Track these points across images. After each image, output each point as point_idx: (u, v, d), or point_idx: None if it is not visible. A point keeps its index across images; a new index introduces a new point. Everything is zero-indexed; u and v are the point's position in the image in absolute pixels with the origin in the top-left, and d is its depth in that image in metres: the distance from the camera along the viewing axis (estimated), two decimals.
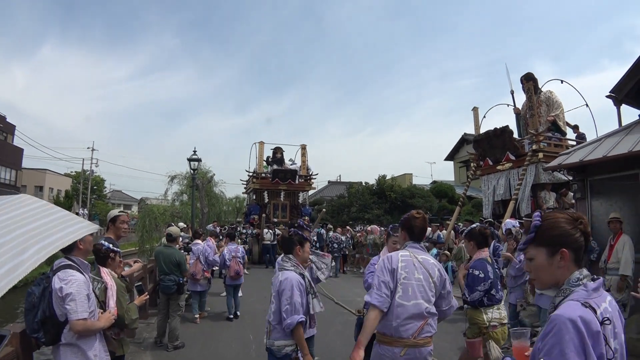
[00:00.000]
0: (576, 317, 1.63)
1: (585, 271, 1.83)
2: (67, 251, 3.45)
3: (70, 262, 3.40)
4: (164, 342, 7.84)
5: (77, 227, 1.44)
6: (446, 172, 50.76)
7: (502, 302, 5.02)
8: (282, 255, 4.39)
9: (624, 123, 9.79)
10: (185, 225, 17.07)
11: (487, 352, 4.68)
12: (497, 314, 4.84)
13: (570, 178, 10.52)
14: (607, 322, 1.66)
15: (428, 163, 55.80)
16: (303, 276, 4.09)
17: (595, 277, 1.83)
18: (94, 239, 3.73)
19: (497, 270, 5.16)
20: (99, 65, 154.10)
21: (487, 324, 4.79)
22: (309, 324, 4.19)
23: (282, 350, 3.87)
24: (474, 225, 5.34)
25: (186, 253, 9.52)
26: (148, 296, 5.79)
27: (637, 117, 9.75)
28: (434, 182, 39.12)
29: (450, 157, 41.38)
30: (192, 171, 20.50)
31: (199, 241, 10.10)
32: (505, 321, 4.93)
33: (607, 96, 10.11)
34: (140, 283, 5.90)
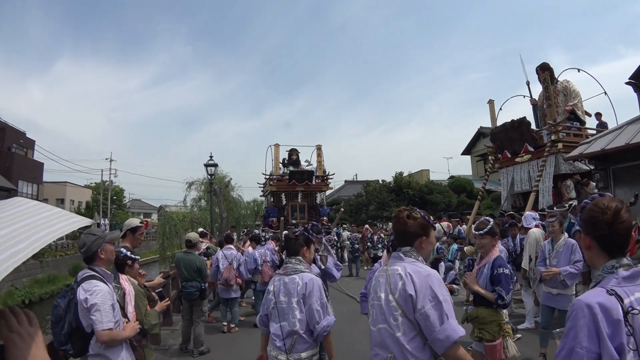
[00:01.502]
0: (594, 303, 1.66)
1: (625, 260, 1.79)
2: (90, 261, 3.46)
3: (93, 273, 3.40)
4: (189, 349, 7.86)
5: (71, 220, 1.47)
6: (463, 167, 50.53)
7: None
8: (290, 257, 3.99)
9: None
10: (204, 231, 17.13)
11: (506, 351, 4.34)
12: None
13: (592, 167, 10.37)
14: (635, 311, 1.63)
15: (445, 158, 55.55)
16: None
17: (633, 265, 1.79)
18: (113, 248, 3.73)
19: None
20: (113, 76, 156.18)
21: (505, 320, 4.48)
22: None
23: None
24: (491, 222, 4.70)
25: (206, 259, 9.44)
26: (169, 302, 5.79)
27: None
28: (452, 177, 38.90)
29: (467, 152, 41.14)
30: (209, 177, 20.55)
31: (231, 246, 9.86)
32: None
33: (627, 83, 10.02)
34: (161, 289, 5.92)
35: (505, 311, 4.50)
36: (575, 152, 9.55)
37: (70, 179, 59.22)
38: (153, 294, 5.00)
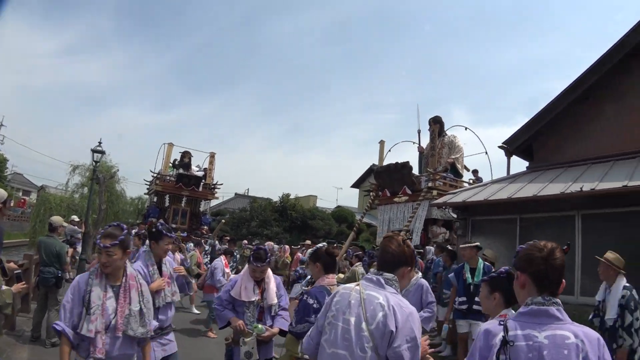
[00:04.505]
0: (484, 329, 2.01)
1: (539, 298, 1.96)
2: None
3: None
4: (41, 338, 7.45)
5: None
6: (351, 199, 51.85)
7: None
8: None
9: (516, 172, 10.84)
10: (78, 219, 16.39)
11: None
12: None
13: (455, 216, 11.30)
14: (511, 344, 1.85)
15: (335, 188, 57.11)
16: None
17: (544, 303, 1.95)
18: None
19: None
20: (27, 36, 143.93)
21: (300, 355, 3.85)
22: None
23: None
24: (320, 245, 4.49)
25: (68, 246, 9.13)
26: (27, 285, 5.58)
27: (525, 169, 10.76)
28: (339, 206, 39.94)
29: (356, 185, 42.48)
30: (94, 163, 19.70)
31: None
32: None
33: (500, 147, 11.06)
34: (20, 270, 5.64)
35: None
36: (441, 200, 10.42)
37: None
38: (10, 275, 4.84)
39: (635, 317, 5.04)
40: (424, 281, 6.30)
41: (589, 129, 9.56)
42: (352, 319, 2.42)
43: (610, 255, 5.37)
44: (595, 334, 1.90)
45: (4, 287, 4.15)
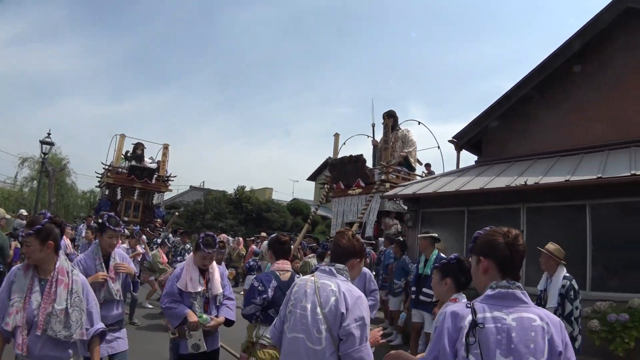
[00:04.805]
0: (449, 311, 2.00)
1: (504, 282, 2.00)
2: None
3: None
4: None
5: None
6: (307, 192, 51.86)
7: None
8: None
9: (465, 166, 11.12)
10: (27, 213, 15.95)
11: None
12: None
13: (406, 208, 11.51)
14: (481, 326, 1.88)
15: (291, 181, 57.19)
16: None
17: (510, 287, 1.99)
18: None
19: None
20: None
21: (255, 340, 4.11)
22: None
23: None
24: (273, 235, 4.67)
25: (13, 239, 8.89)
26: None
27: (473, 163, 11.03)
28: (295, 199, 39.98)
29: (312, 178, 42.59)
30: (42, 155, 19.13)
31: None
32: None
33: (450, 141, 11.31)
34: None
35: (262, 332, 4.03)
36: (392, 192, 10.59)
37: None
38: None
39: (575, 306, 5.22)
40: (367, 270, 6.61)
41: (534, 127, 9.91)
42: (309, 306, 2.72)
43: (551, 246, 5.55)
44: (557, 318, 1.97)
45: None
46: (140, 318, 9.69)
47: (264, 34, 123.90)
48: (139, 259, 10.71)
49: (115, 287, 4.28)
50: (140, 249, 10.88)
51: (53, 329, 2.83)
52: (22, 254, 10.32)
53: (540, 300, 5.63)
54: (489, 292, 2.01)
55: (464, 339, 1.89)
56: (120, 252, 4.61)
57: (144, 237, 13.45)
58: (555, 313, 5.29)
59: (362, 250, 3.02)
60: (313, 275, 2.91)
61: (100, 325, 3.14)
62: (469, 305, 1.97)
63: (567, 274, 5.41)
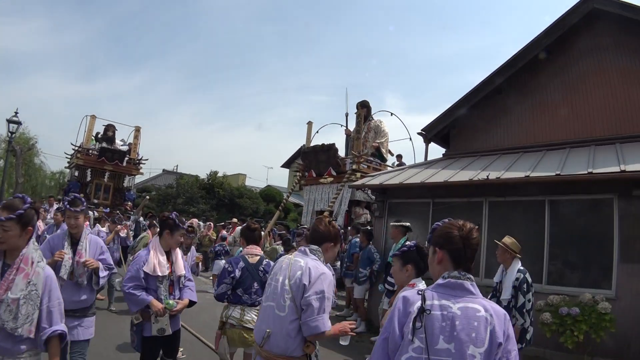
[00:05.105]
0: (401, 296, 2.13)
1: (456, 273, 2.11)
2: None
3: None
4: None
5: None
6: (281, 179, 51.80)
7: (253, 308, 4.70)
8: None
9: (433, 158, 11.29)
10: None
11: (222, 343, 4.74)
12: (238, 314, 4.65)
13: (373, 198, 11.66)
14: (427, 312, 2.00)
15: (265, 167, 56.93)
16: None
17: (460, 278, 2.10)
18: None
19: (261, 273, 4.77)
20: None
21: (224, 319, 4.71)
22: None
23: None
24: (245, 224, 5.30)
25: None
26: None
27: (441, 155, 11.21)
28: (268, 186, 39.96)
29: (287, 165, 42.59)
30: (9, 134, 18.76)
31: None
32: (249, 326, 4.58)
33: (418, 133, 11.46)
34: None
35: (230, 312, 4.69)
36: (359, 182, 10.73)
37: None
38: None
39: (527, 299, 5.40)
40: None
41: (501, 122, 10.10)
42: (280, 278, 3.14)
43: (507, 239, 5.68)
44: (502, 310, 2.06)
45: None
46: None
47: (241, 16, 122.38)
48: (118, 239, 10.68)
49: (79, 271, 4.23)
50: (122, 231, 10.84)
51: (1, 318, 2.65)
52: None
53: (495, 291, 5.78)
54: (440, 281, 2.12)
55: (411, 324, 2.00)
56: (93, 238, 4.57)
57: (126, 222, 13.31)
58: (508, 305, 5.47)
59: (337, 236, 3.39)
60: (292, 254, 3.36)
61: (60, 327, 2.86)
62: (420, 292, 2.08)
63: (522, 267, 5.57)
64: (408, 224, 8.05)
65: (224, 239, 14.71)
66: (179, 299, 4.53)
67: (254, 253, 4.86)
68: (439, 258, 2.19)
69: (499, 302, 5.59)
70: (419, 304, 2.03)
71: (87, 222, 10.77)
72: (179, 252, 4.72)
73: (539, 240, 7.86)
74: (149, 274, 4.34)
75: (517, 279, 5.48)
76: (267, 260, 4.93)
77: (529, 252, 7.51)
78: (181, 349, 5.70)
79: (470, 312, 1.98)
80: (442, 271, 2.16)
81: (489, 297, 5.82)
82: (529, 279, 5.50)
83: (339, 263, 10.86)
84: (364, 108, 16.13)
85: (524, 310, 5.42)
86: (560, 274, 7.74)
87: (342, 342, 3.21)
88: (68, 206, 4.30)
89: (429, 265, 2.34)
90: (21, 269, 2.76)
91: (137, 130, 23.43)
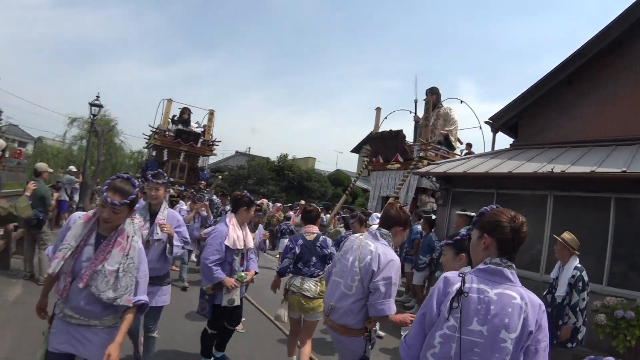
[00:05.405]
0: (443, 276, 2.26)
1: (497, 260, 2.19)
2: None
3: None
4: (35, 276, 7.96)
5: None
6: (351, 163, 52.03)
7: (312, 278, 5.22)
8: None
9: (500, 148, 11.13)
10: (76, 170, 16.81)
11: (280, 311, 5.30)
12: (298, 282, 5.16)
13: (438, 186, 11.68)
14: (465, 294, 2.10)
15: (335, 152, 57.39)
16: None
17: (501, 265, 2.18)
18: None
19: (318, 248, 5.33)
20: None
21: (287, 287, 5.26)
22: None
23: None
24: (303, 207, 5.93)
25: (56, 191, 9.44)
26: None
27: (509, 146, 11.06)
28: (337, 170, 40.29)
29: (356, 150, 42.64)
30: (92, 116, 20.02)
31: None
32: (307, 294, 5.08)
33: (486, 122, 11.36)
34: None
35: (293, 281, 5.27)
36: (424, 169, 10.79)
37: None
38: None
39: (581, 298, 5.37)
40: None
41: (571, 113, 9.78)
42: (351, 258, 3.47)
43: (566, 235, 5.65)
44: (538, 300, 2.13)
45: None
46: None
47: (309, 3, 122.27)
48: (198, 218, 11.10)
49: (156, 237, 4.50)
50: (202, 213, 11.36)
51: (97, 287, 2.79)
52: (72, 206, 11.12)
53: (551, 287, 5.76)
54: (481, 265, 2.20)
55: (448, 303, 2.12)
56: (171, 211, 4.85)
57: (206, 202, 13.86)
58: (562, 302, 5.47)
59: (407, 221, 3.68)
60: (362, 235, 3.64)
61: (143, 297, 3.04)
62: (461, 275, 2.18)
63: (579, 265, 5.53)
64: (474, 214, 8.09)
65: (288, 218, 15.17)
66: (246, 270, 5.12)
67: (311, 231, 5.42)
68: (485, 244, 2.24)
69: (553, 299, 5.63)
70: (458, 285, 2.14)
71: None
72: (247, 228, 5.27)
73: (602, 239, 7.62)
74: (229, 247, 4.87)
75: (573, 276, 5.46)
76: (323, 236, 5.48)
77: (590, 251, 7.37)
78: (243, 319, 6.18)
79: (505, 299, 2.07)
80: (485, 257, 2.23)
81: (545, 292, 5.84)
82: (586, 278, 5.46)
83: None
84: (433, 95, 16.04)
85: (577, 309, 5.40)
86: (623, 276, 7.45)
87: (403, 333, 3.22)
88: (151, 178, 4.66)
89: (472, 249, 2.38)
90: (117, 243, 2.92)
91: (211, 113, 24.27)
